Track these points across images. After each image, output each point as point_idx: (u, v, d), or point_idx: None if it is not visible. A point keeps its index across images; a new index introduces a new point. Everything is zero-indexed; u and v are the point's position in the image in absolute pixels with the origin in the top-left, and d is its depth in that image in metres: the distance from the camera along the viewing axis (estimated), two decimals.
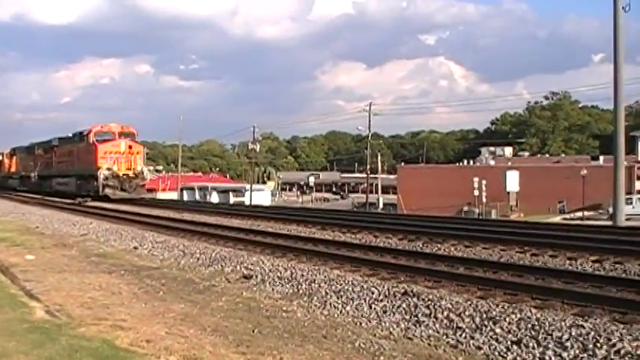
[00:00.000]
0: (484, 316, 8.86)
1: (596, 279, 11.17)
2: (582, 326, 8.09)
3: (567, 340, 7.70)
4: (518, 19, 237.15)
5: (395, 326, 8.99)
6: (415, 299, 9.95)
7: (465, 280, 11.38)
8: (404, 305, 9.78)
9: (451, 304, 9.52)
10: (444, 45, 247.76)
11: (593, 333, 7.81)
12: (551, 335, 7.90)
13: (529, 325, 8.31)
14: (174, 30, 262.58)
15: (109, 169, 41.20)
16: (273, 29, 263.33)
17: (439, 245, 16.38)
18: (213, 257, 15.34)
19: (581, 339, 7.68)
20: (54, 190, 49.46)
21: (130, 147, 42.82)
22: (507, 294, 10.34)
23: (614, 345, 7.40)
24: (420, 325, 8.90)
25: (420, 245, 16.63)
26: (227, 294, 11.54)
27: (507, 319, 8.61)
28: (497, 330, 8.32)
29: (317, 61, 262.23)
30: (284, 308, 10.32)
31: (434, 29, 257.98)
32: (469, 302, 9.59)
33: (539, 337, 7.89)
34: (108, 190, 40.77)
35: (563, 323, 8.25)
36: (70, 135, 48.17)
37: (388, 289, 10.70)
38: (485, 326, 8.50)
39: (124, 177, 41.66)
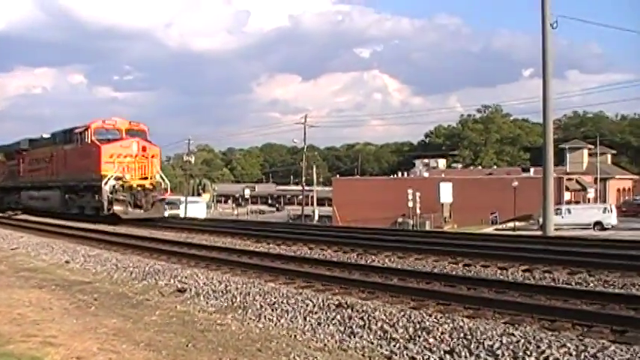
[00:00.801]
0: (417, 326, 8.93)
1: (526, 288, 11.39)
2: (513, 334, 8.23)
3: (498, 348, 7.82)
4: (451, 33, 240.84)
5: (329, 338, 9.00)
6: (349, 310, 9.98)
7: (399, 291, 11.49)
8: (338, 317, 9.80)
9: (385, 314, 9.58)
10: (379, 58, 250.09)
11: (523, 341, 7.94)
12: (483, 344, 8.01)
13: (461, 335, 8.41)
14: (109, 40, 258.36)
15: (118, 178, 30.48)
16: (209, 41, 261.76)
17: (373, 257, 16.49)
18: (146, 271, 15.14)
19: (511, 347, 7.80)
20: (25, 205, 40.43)
21: (144, 149, 31.89)
22: (440, 304, 10.47)
23: (543, 352, 7.54)
24: (354, 337, 8.93)
25: (355, 257, 16.72)
26: (161, 308, 11.41)
27: (440, 329, 8.70)
28: (431, 340, 8.40)
29: (253, 73, 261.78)
30: (218, 322, 10.25)
31: (369, 43, 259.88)
32: (403, 313, 9.66)
33: (472, 346, 8.00)
34: (117, 208, 30.12)
35: (494, 332, 8.37)
36: (46, 135, 38.65)
37: (323, 301, 10.70)
38: (419, 336, 8.57)
39: (139, 189, 30.98)
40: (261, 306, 10.95)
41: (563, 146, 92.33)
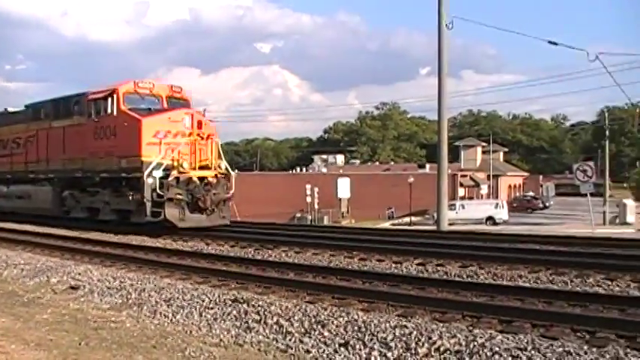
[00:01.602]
0: (313, 320, 9.01)
1: (420, 281, 11.67)
2: (405, 326, 8.40)
3: (392, 340, 7.97)
4: (350, 30, 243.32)
5: (225, 333, 8.97)
6: (245, 305, 9.97)
7: (295, 286, 11.58)
8: (234, 312, 9.78)
9: (281, 309, 9.62)
10: (279, 54, 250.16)
11: (415, 332, 8.12)
12: (377, 336, 8.15)
13: (356, 328, 8.52)
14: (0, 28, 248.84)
15: (172, 167, 20.85)
16: (107, 32, 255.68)
17: (270, 252, 16.52)
18: (38, 268, 14.69)
19: (404, 338, 7.97)
20: None
21: (201, 124, 22.00)
22: (336, 298, 10.60)
23: (434, 343, 7.74)
24: (250, 331, 8.94)
25: (252, 252, 16.72)
26: (53, 306, 11.10)
27: (335, 322, 8.79)
28: (326, 333, 8.49)
29: (151, 65, 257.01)
30: (112, 319, 10.05)
31: (270, 38, 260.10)
32: (298, 307, 9.72)
33: (366, 339, 8.12)
34: (171, 211, 20.35)
35: (387, 324, 8.52)
36: (14, 109, 29.21)
37: (219, 297, 10.66)
38: (314, 330, 8.65)
39: (199, 183, 21.17)
40: (157, 302, 10.81)
41: (457, 144, 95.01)
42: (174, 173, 20.58)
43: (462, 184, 78.56)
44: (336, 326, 8.66)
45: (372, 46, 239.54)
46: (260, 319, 9.31)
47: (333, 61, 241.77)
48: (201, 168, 21.56)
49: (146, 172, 20.20)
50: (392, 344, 7.87)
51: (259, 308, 9.75)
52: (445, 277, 12.57)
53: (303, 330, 8.70)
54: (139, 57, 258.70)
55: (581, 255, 14.78)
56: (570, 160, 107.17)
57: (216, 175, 21.81)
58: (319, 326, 8.74)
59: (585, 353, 7.20)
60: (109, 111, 22.04)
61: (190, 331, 9.17)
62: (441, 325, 8.55)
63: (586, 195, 35.32)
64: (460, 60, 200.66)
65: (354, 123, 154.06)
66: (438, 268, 13.50)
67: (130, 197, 21.27)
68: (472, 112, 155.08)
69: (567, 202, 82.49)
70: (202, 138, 21.74)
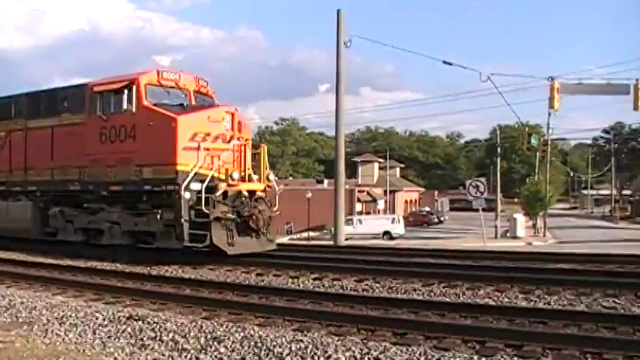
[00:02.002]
0: (209, 336, 8.95)
1: (316, 296, 11.80)
2: (301, 340, 8.46)
3: (287, 355, 8.01)
4: (251, 46, 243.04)
5: (120, 351, 8.79)
6: (140, 323, 9.82)
7: (191, 302, 11.51)
8: (129, 329, 9.61)
9: (177, 325, 9.52)
10: (179, 67, 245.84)
11: (311, 346, 8.19)
12: (273, 351, 8.16)
13: (252, 343, 8.52)
14: None
15: (215, 178, 16.96)
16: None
17: (166, 267, 16.31)
18: None
19: (300, 353, 8.02)
20: None
21: (240, 126, 18.27)
22: (232, 313, 10.59)
23: (329, 356, 7.82)
24: (145, 349, 8.79)
25: (148, 268, 16.46)
26: None
27: (232, 338, 8.76)
28: (222, 349, 8.44)
29: (46, 75, 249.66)
30: (1, 339, 9.72)
31: (169, 51, 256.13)
32: (194, 323, 9.66)
33: (262, 354, 8.13)
34: (218, 234, 16.44)
35: (283, 339, 8.56)
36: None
37: (113, 314, 10.46)
38: (210, 346, 8.59)
39: (251, 197, 17.70)
40: (48, 320, 10.50)
41: (355, 159, 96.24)
42: (222, 186, 16.78)
43: (359, 200, 79.42)
44: (232, 342, 8.63)
45: (272, 61, 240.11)
46: (155, 336, 9.17)
47: (233, 76, 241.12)
48: (245, 176, 17.82)
49: (184, 185, 16.30)
50: (287, 358, 7.91)
51: (155, 325, 9.63)
52: (341, 291, 12.73)
53: (199, 346, 8.62)
54: (33, 66, 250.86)
55: (472, 268, 15.26)
56: (465, 176, 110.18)
57: (265, 189, 18.46)
58: (215, 342, 8.69)
59: None
60: (125, 107, 17.61)
61: (83, 350, 8.94)
62: (336, 338, 8.65)
63: (479, 210, 36.37)
64: (359, 77, 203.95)
65: (254, 138, 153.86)
66: (334, 282, 13.66)
67: (158, 216, 17.09)
68: (370, 128, 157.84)
69: (461, 216, 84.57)
70: (241, 140, 18.20)
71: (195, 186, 16.36)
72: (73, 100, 19.56)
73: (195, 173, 16.45)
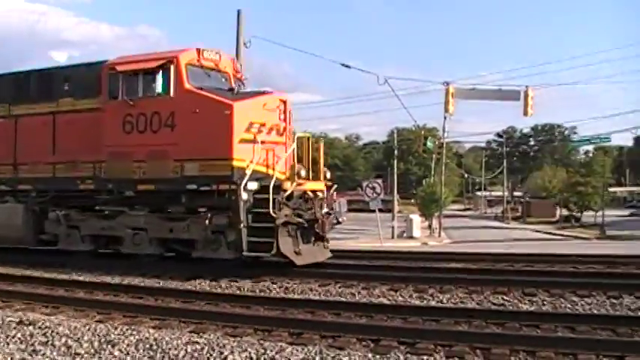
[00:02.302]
0: (103, 339, 8.79)
1: (213, 297, 11.78)
2: (197, 342, 8.44)
3: (183, 357, 7.96)
4: (152, 44, 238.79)
5: (9, 358, 8.54)
6: (31, 327, 9.56)
7: (85, 305, 11.28)
8: (19, 335, 9.31)
9: (69, 329, 9.31)
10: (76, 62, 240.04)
11: (207, 348, 8.18)
12: (168, 353, 8.10)
13: (147, 346, 8.42)
14: None
15: (273, 176, 14.31)
16: None
17: (59, 269, 15.86)
18: None
19: (196, 354, 8.00)
20: None
21: (290, 116, 16.31)
22: (127, 316, 10.44)
23: (225, 357, 7.83)
24: (36, 354, 8.53)
25: (40, 271, 15.97)
26: None
27: (126, 341, 8.64)
28: (116, 353, 8.30)
29: None
30: None
31: (65, 46, 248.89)
32: (88, 327, 9.47)
33: (157, 357, 8.05)
34: (285, 241, 14.07)
35: (179, 341, 8.51)
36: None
37: (2, 319, 10.13)
38: (104, 350, 8.43)
39: (310, 197, 15.46)
40: None
41: None
42: (288, 185, 14.57)
43: None
44: (127, 345, 8.51)
45: None
46: (47, 341, 8.93)
47: None
48: (307, 178, 15.61)
49: (243, 184, 13.95)
50: None
51: (46, 329, 9.39)
52: (238, 292, 12.72)
53: (92, 350, 8.46)
54: None
55: (368, 268, 15.50)
56: (362, 178, 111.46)
57: (324, 189, 16.15)
58: (109, 346, 8.54)
59: None
60: (160, 90, 15.06)
61: None
62: (233, 339, 8.68)
63: (376, 211, 36.85)
64: (258, 78, 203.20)
65: None
66: (232, 283, 13.62)
67: (206, 221, 14.71)
68: None
69: (359, 217, 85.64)
70: (307, 135, 16.84)
71: (252, 185, 14.20)
72: (82, 81, 16.51)
73: (253, 170, 14.28)
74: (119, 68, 15.52)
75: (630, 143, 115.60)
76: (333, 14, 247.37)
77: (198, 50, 15.52)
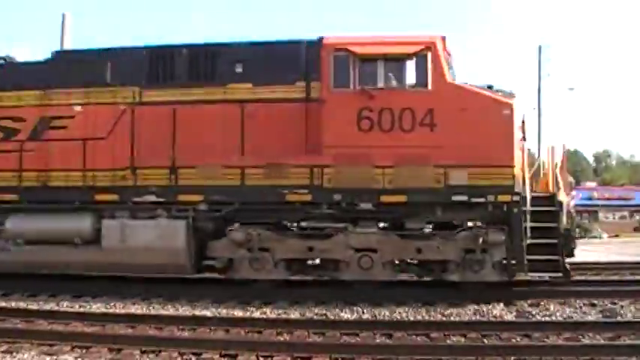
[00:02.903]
0: None
1: (27, 314, 11.20)
2: None
3: None
4: None
5: None
6: None
7: None
8: None
9: None
10: None
11: None
12: None
13: None
14: None
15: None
16: None
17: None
18: None
19: None
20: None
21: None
22: None
23: None
24: None
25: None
26: None
27: None
28: None
29: None
30: None
31: None
32: None
33: None
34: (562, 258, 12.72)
35: None
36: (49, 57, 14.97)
37: None
38: None
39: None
40: None
41: None
42: (562, 196, 13.17)
43: None
44: None
45: None
46: None
47: None
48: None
49: (527, 195, 12.69)
50: None
51: None
52: (56, 307, 12.21)
53: None
54: None
55: (195, 282, 15.28)
56: None
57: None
58: None
59: None
60: (414, 81, 12.93)
61: None
62: (49, 358, 8.38)
63: None
64: None
65: None
66: (50, 298, 13.08)
67: (480, 239, 12.63)
68: None
69: None
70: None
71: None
72: (281, 62, 13.48)
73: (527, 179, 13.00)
74: (354, 50, 12.87)
75: None
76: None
77: (442, 38, 13.22)
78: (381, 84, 12.74)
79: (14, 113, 14.03)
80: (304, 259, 13.38)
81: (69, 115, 13.79)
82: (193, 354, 8.59)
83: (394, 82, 12.78)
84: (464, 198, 12.55)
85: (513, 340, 9.40)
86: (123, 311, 11.81)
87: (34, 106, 13.96)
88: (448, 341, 9.46)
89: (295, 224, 13.41)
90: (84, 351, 8.87)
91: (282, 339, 9.52)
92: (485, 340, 9.44)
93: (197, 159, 13.20)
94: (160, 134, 13.40)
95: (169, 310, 11.96)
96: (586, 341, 9.24)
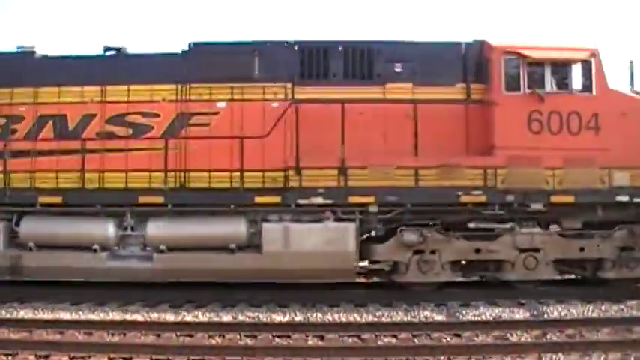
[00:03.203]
0: None
1: None
2: None
3: None
4: None
5: None
6: None
7: None
8: None
9: None
10: None
11: None
12: None
13: None
14: None
15: None
16: None
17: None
18: None
19: None
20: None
21: None
22: None
23: None
24: None
25: None
26: None
27: None
28: None
29: None
30: None
31: None
32: None
33: None
34: None
35: None
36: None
37: None
38: None
39: None
40: None
41: None
42: None
43: None
44: None
45: None
46: None
47: None
48: None
49: None
50: None
51: None
52: None
53: None
54: None
55: (125, 285, 15.03)
56: None
57: None
58: None
59: None
60: (580, 86, 13.38)
61: None
62: None
63: None
64: None
65: None
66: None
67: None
68: None
69: None
70: None
71: None
72: (441, 63, 13.66)
73: None
74: (526, 54, 13.27)
75: None
76: None
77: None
78: (548, 88, 13.21)
79: (145, 108, 13.35)
80: (469, 260, 13.52)
81: (212, 112, 13.29)
82: (124, 359, 8.51)
83: (562, 87, 13.30)
84: (626, 198, 13.15)
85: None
86: (51, 316, 11.57)
87: (170, 101, 13.36)
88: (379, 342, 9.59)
89: (472, 225, 13.33)
90: (10, 357, 8.69)
91: (214, 342, 9.51)
92: (416, 340, 9.61)
93: (367, 159, 13.02)
94: (325, 133, 13.13)
95: (99, 315, 11.78)
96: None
